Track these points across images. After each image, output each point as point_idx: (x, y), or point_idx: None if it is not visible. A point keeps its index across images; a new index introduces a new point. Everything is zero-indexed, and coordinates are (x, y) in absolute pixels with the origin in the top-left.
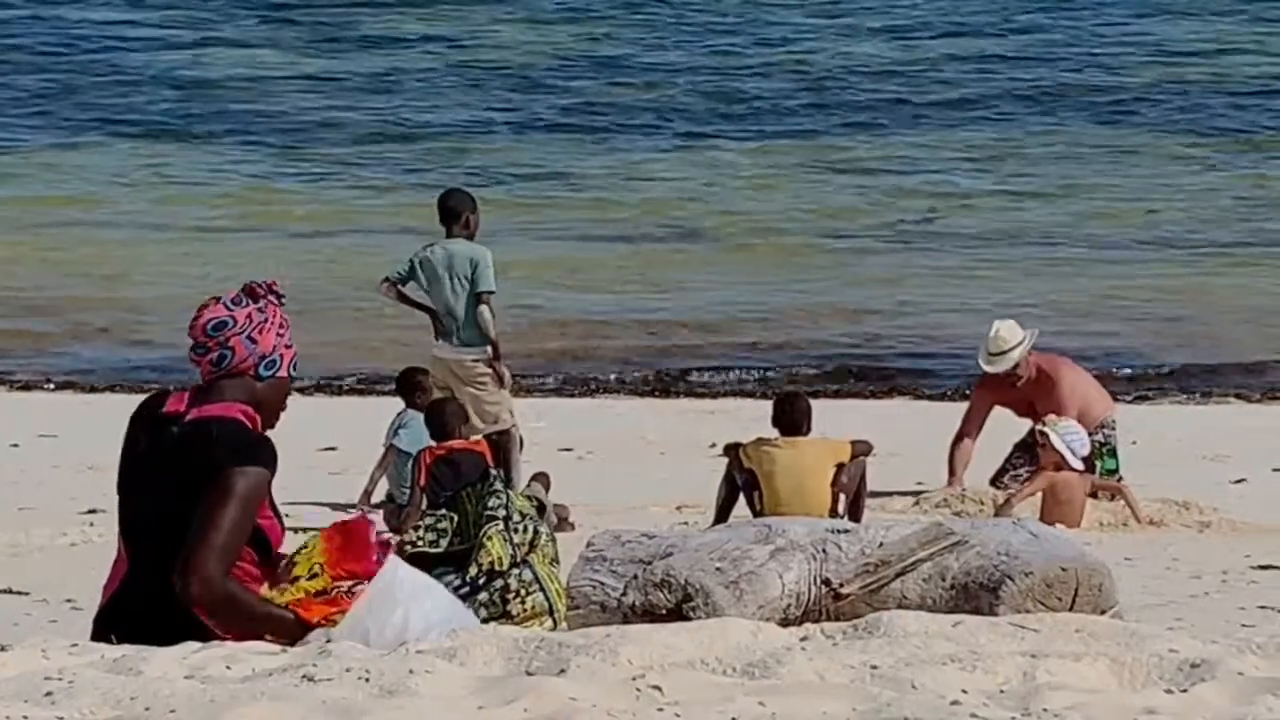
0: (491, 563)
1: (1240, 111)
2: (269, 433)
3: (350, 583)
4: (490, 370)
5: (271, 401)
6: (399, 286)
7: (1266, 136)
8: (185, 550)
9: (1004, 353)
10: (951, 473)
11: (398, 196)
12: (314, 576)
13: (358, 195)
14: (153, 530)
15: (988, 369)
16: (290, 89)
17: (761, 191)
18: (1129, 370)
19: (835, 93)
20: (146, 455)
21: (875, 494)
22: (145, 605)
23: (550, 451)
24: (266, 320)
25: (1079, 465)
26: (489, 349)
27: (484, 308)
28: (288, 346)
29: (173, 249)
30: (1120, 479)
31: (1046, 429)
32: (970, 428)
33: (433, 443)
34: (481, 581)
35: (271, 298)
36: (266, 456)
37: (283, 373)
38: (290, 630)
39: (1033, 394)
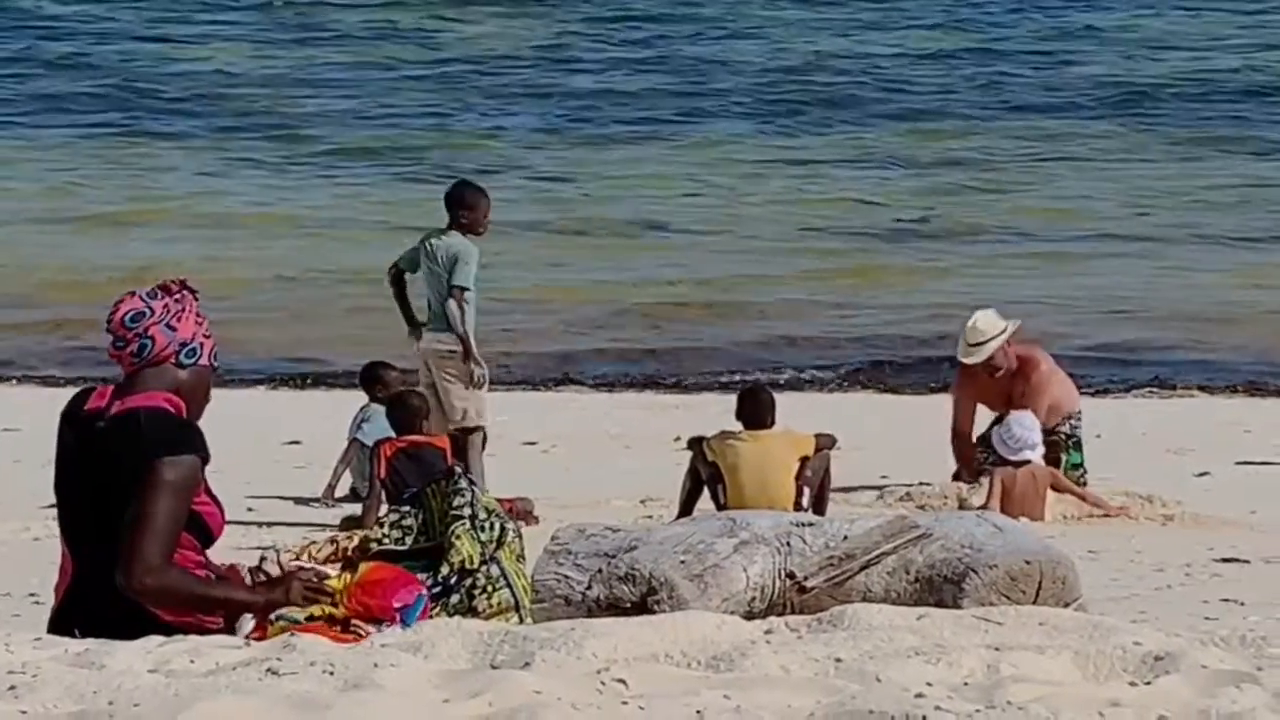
0: (462, 561)
1: (1219, 110)
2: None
3: (368, 626)
4: (462, 367)
5: (195, 390)
6: (404, 274)
7: (1242, 135)
8: (124, 546)
9: (981, 344)
10: (961, 460)
11: (372, 193)
12: (335, 604)
13: (331, 190)
14: (93, 529)
15: (964, 360)
16: (270, 85)
17: (735, 186)
18: (1093, 363)
19: (817, 89)
20: (76, 456)
21: (840, 489)
22: (98, 605)
23: (514, 445)
24: (184, 309)
25: (1016, 458)
26: (458, 343)
27: (451, 302)
28: (206, 336)
29: (142, 244)
30: (1084, 473)
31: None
32: (963, 423)
33: (393, 435)
34: (453, 581)
35: (185, 292)
36: (196, 442)
37: (204, 361)
38: (243, 604)
39: (1011, 386)
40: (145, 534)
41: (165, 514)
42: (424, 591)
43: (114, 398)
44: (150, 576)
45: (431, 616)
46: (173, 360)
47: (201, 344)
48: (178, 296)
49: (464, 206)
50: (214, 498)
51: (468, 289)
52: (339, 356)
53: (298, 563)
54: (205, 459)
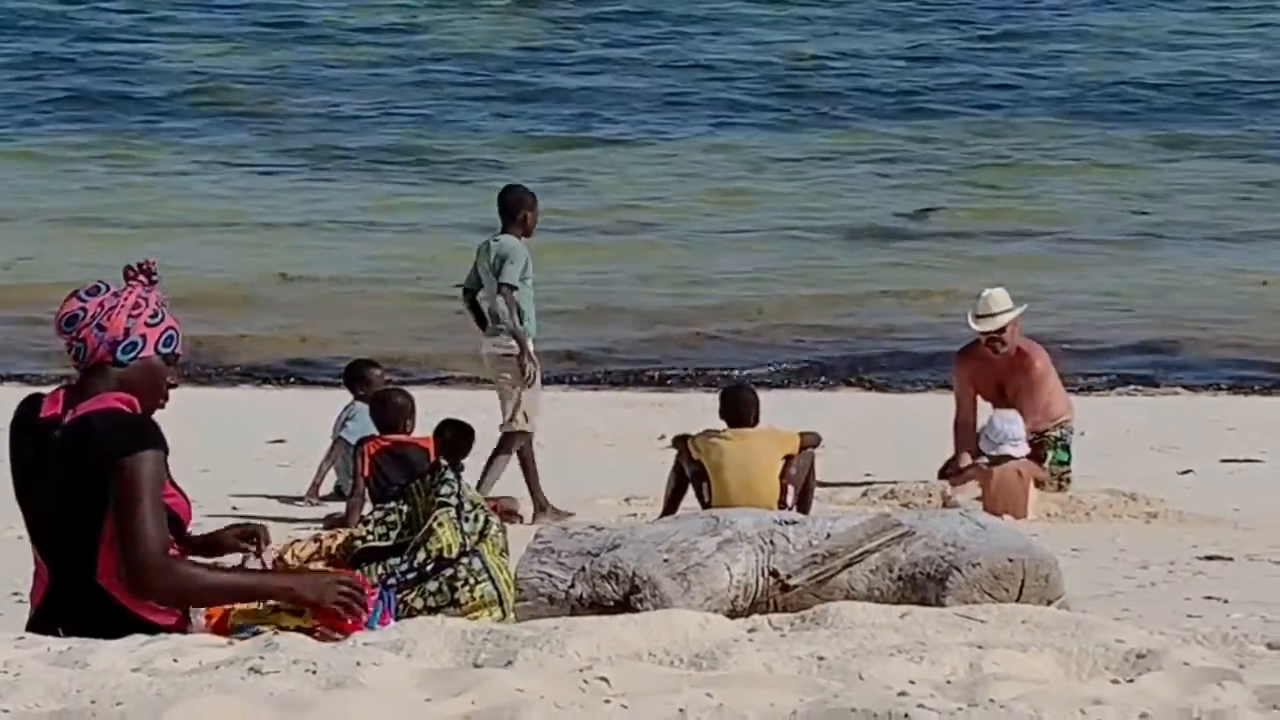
0: (441, 550)
1: (1205, 108)
2: (159, 413)
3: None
4: (516, 369)
5: (143, 383)
6: (475, 293)
7: (1229, 134)
8: (123, 557)
9: (994, 314)
10: (960, 448)
11: (363, 193)
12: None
13: (307, 189)
14: (63, 536)
15: (975, 328)
16: (253, 82)
17: (723, 184)
18: (1078, 361)
19: (808, 85)
20: (36, 464)
21: (823, 484)
22: (76, 608)
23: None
24: (117, 305)
25: (996, 452)
26: (514, 344)
27: (499, 298)
28: (150, 325)
29: (126, 242)
30: (1068, 472)
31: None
32: (965, 410)
33: (376, 433)
34: (430, 568)
35: (142, 278)
36: (154, 437)
37: (147, 352)
38: (272, 590)
39: (1006, 374)
40: (140, 537)
41: (148, 511)
42: (378, 599)
43: (67, 404)
44: (164, 576)
45: (406, 603)
46: (108, 360)
47: (142, 336)
48: (119, 290)
49: (525, 208)
50: (178, 488)
51: (515, 286)
52: (326, 355)
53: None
54: (165, 451)
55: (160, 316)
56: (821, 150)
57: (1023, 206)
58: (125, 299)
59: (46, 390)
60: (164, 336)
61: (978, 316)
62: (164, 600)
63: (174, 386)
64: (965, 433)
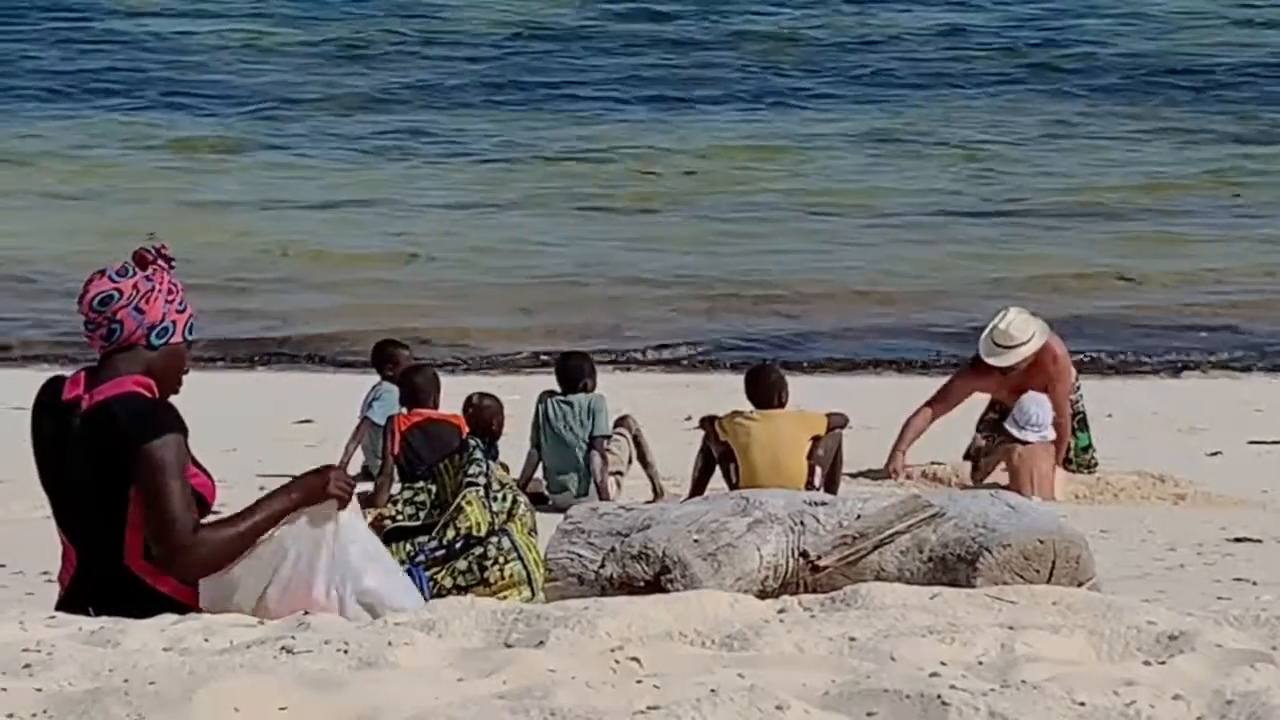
0: (470, 528)
1: (1238, 91)
2: (173, 398)
3: None
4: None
5: (167, 369)
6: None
7: (1250, 112)
8: (157, 544)
9: (1010, 348)
10: (899, 440)
11: (357, 168)
12: None
13: (307, 164)
14: (86, 519)
15: (988, 359)
16: (258, 57)
17: (746, 165)
18: (1105, 344)
19: (812, 65)
20: (57, 447)
21: (857, 474)
22: (102, 589)
23: (525, 427)
24: (154, 289)
25: (1021, 435)
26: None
27: (594, 453)
28: (179, 311)
29: (135, 218)
30: (1094, 452)
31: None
32: (939, 406)
33: (404, 410)
34: (459, 546)
35: (161, 263)
36: (173, 422)
37: (176, 338)
38: (285, 509)
39: (1026, 380)
40: (171, 524)
41: (176, 495)
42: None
43: (87, 386)
44: (195, 555)
45: (435, 580)
46: (143, 343)
47: (174, 322)
48: (148, 274)
49: (586, 375)
50: (201, 468)
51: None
52: (356, 336)
53: None
54: (185, 434)
55: (185, 303)
56: (869, 131)
57: (1047, 185)
58: (160, 284)
59: (68, 372)
60: (189, 324)
61: (994, 345)
62: (206, 573)
63: (186, 373)
64: (918, 425)
